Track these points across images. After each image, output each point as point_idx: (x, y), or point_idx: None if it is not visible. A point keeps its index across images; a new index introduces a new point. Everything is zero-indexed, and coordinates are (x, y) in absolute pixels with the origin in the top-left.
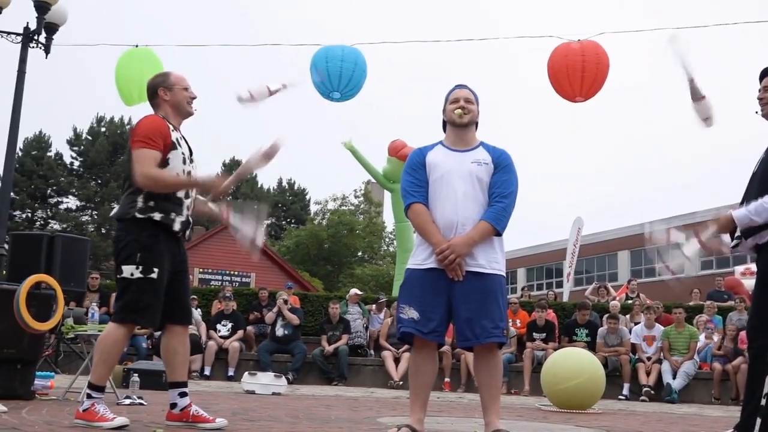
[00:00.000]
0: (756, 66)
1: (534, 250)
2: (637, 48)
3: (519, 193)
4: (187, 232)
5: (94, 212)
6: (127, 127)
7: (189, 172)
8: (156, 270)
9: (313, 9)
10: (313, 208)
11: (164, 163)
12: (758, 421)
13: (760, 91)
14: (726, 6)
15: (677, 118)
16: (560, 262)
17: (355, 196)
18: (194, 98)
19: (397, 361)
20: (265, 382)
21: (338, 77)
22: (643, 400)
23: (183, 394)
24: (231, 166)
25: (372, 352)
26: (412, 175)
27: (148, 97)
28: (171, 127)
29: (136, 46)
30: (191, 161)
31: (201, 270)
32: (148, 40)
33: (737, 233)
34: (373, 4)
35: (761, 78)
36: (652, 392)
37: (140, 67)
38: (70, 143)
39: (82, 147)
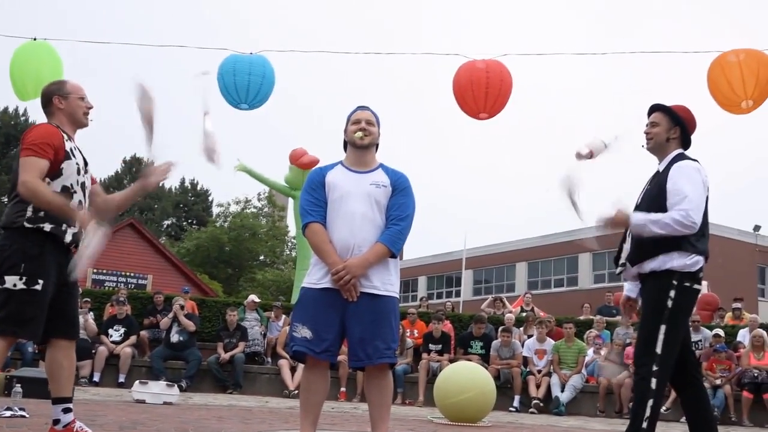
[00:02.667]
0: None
1: (435, 259)
2: (542, 70)
3: (421, 204)
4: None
5: None
6: (23, 118)
7: (83, 183)
8: (41, 282)
9: (222, 13)
10: (216, 210)
11: (58, 172)
12: None
13: (647, 126)
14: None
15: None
16: (460, 272)
17: (259, 200)
18: (90, 108)
19: (293, 370)
20: (156, 391)
21: (246, 91)
22: (532, 413)
23: (67, 410)
24: (131, 163)
25: (269, 359)
26: (311, 194)
27: (42, 105)
28: (65, 137)
29: (35, 39)
30: (86, 172)
31: (95, 270)
32: (47, 33)
33: (621, 260)
34: (282, 10)
35: (648, 114)
36: (541, 404)
37: (37, 62)
38: None
39: None
